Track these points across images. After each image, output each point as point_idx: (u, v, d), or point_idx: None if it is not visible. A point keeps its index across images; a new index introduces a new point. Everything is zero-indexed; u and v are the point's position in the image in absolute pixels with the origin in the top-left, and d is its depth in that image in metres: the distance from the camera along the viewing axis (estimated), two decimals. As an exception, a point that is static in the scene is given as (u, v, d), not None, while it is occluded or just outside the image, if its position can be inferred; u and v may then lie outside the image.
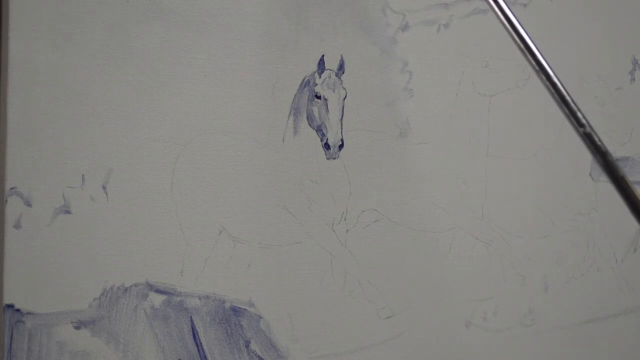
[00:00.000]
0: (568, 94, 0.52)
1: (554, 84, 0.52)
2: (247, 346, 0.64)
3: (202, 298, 0.63)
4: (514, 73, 0.77)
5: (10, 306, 0.56)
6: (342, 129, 0.68)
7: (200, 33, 0.62)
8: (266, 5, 0.65)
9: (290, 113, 0.66)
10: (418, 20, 0.72)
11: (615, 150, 0.82)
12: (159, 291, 0.61)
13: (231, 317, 0.64)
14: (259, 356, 0.65)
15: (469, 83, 0.75)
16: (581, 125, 0.49)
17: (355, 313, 0.69)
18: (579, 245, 0.78)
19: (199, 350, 0.62)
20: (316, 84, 0.67)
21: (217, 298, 0.63)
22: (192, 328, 0.62)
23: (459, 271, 0.74)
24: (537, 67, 0.52)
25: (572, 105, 0.51)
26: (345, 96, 0.68)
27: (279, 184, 0.66)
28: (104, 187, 0.59)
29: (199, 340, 0.63)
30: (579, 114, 0.51)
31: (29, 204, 0.57)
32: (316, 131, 0.67)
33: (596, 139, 0.49)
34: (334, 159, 0.68)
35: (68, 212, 0.58)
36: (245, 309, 0.64)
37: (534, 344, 0.78)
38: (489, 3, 0.55)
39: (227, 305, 0.64)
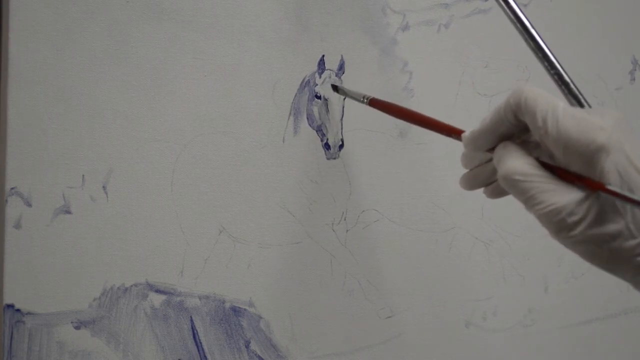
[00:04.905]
0: (580, 93, 0.52)
1: (566, 84, 0.53)
2: (247, 346, 0.64)
3: (202, 298, 0.63)
4: (514, 73, 0.77)
5: (10, 306, 0.56)
6: (342, 129, 0.68)
7: (200, 33, 0.62)
8: (266, 5, 0.65)
9: (290, 113, 0.66)
10: (418, 20, 0.72)
11: (615, 150, 0.82)
12: (159, 291, 0.61)
13: (231, 317, 0.64)
14: (259, 356, 0.65)
15: (469, 83, 0.75)
16: None
17: (355, 313, 0.69)
18: (579, 245, 0.78)
19: (199, 350, 0.62)
20: (316, 84, 0.67)
21: (217, 298, 0.63)
22: (192, 328, 0.62)
23: (459, 271, 0.74)
24: (549, 67, 0.53)
25: (585, 104, 0.52)
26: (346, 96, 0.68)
27: (279, 184, 0.66)
28: (104, 187, 0.59)
29: (199, 340, 0.63)
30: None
31: (29, 204, 0.57)
32: (316, 131, 0.67)
33: None
34: (334, 159, 0.68)
35: (68, 212, 0.58)
36: (245, 309, 0.64)
37: (534, 344, 0.78)
38: (498, 2, 0.55)
39: (227, 305, 0.64)
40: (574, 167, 0.42)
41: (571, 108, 0.42)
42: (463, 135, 0.47)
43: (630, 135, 0.42)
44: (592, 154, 0.41)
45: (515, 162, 0.43)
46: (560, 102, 0.42)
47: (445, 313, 0.73)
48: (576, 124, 0.41)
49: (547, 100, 0.42)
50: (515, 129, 0.45)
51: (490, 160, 0.47)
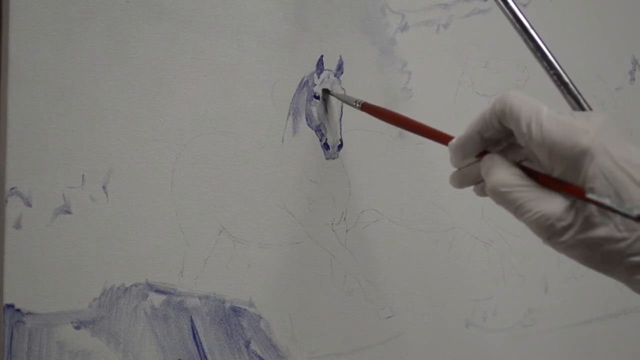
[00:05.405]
0: (579, 93, 0.52)
1: (565, 84, 0.53)
2: (247, 346, 0.64)
3: (202, 298, 0.63)
4: (514, 73, 0.77)
5: (10, 306, 0.56)
6: (341, 129, 0.68)
7: (200, 33, 0.62)
8: (266, 6, 0.65)
9: (289, 113, 0.66)
10: (417, 20, 0.72)
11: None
12: (159, 291, 0.61)
13: (231, 317, 0.64)
14: (259, 356, 0.65)
15: (468, 83, 0.75)
16: None
17: (355, 313, 0.69)
18: (579, 245, 0.78)
19: (199, 350, 0.63)
20: (315, 84, 0.67)
21: (217, 298, 0.63)
22: (192, 328, 0.62)
23: (459, 271, 0.74)
24: (548, 67, 0.53)
25: (584, 104, 0.52)
26: (345, 96, 0.68)
27: (278, 184, 0.66)
28: (104, 187, 0.59)
29: (199, 340, 0.63)
30: (586, 106, 0.52)
31: (29, 204, 0.57)
32: (315, 131, 0.67)
33: None
34: (334, 159, 0.68)
35: (68, 212, 0.58)
36: (245, 309, 0.64)
37: (534, 344, 0.78)
38: (497, 2, 0.55)
39: (227, 305, 0.64)
40: (560, 172, 0.42)
41: (556, 113, 0.42)
42: (450, 143, 0.48)
43: (618, 136, 0.41)
44: (577, 157, 0.41)
45: (500, 175, 0.43)
46: (544, 107, 0.42)
47: (445, 313, 0.73)
48: (560, 128, 0.41)
49: (531, 106, 0.42)
50: (501, 134, 0.45)
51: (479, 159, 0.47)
